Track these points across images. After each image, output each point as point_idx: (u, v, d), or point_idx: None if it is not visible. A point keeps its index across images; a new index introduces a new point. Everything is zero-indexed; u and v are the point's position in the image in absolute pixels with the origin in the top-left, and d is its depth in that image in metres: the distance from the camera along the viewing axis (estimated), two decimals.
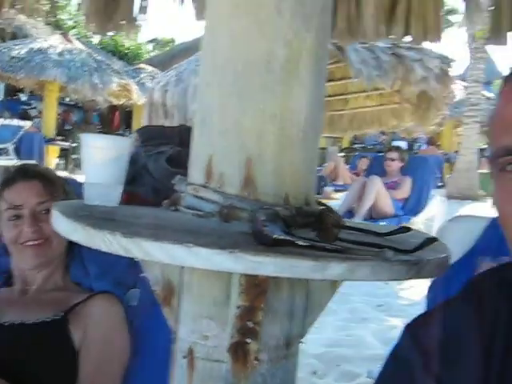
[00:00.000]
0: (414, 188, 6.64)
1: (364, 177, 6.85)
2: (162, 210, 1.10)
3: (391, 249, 0.85)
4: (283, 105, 1.03)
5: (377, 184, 6.19)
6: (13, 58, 11.72)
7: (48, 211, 1.57)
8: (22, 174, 1.62)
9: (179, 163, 1.24)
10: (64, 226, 0.90)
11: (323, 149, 13.01)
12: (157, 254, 0.80)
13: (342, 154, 13.39)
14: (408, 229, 1.10)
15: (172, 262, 0.81)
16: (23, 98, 16.71)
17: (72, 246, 1.67)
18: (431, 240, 0.95)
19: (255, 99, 1.03)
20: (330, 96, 8.21)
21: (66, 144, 12.52)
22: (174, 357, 1.11)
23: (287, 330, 1.06)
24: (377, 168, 6.95)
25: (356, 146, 16.50)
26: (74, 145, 12.45)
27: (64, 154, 12.54)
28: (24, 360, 1.38)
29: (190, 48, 12.35)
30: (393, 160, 6.74)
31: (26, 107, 14.64)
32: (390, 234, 1.07)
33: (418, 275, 0.87)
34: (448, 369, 0.78)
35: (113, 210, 1.05)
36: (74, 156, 12.24)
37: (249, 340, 1.01)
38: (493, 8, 2.64)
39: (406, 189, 6.54)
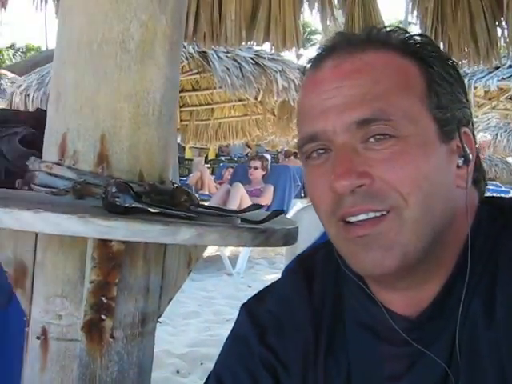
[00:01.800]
0: (276, 195, 6.84)
1: (228, 184, 6.96)
2: (15, 190, 1.08)
3: (240, 219, 0.89)
4: (138, 84, 1.05)
5: (240, 190, 6.32)
6: None
7: None
8: None
9: (34, 145, 1.22)
10: None
11: (190, 160, 13.06)
12: (6, 220, 0.79)
13: (208, 165, 13.50)
14: (260, 206, 1.15)
15: (21, 228, 0.80)
16: None
17: None
18: (278, 213, 1.01)
19: (110, 78, 1.04)
20: (195, 106, 8.28)
21: None
22: (28, 340, 1.09)
23: (143, 308, 1.08)
24: (241, 176, 7.09)
25: (222, 157, 16.67)
26: None
27: None
28: None
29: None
30: (256, 168, 6.91)
31: None
32: (244, 211, 1.11)
33: (267, 243, 0.92)
34: (281, 341, 0.83)
35: None
36: None
37: (103, 317, 1.01)
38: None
39: (268, 196, 6.72)
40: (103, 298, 0.99)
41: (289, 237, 0.98)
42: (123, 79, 1.04)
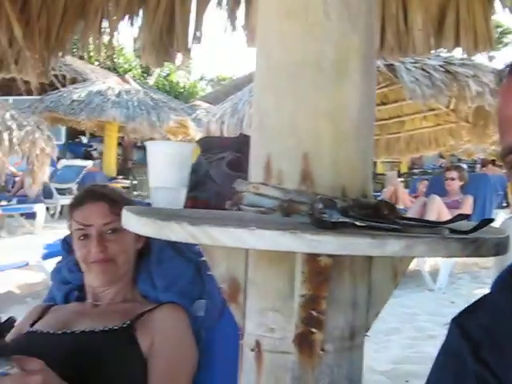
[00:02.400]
0: (476, 206, 6.54)
1: (423, 197, 6.79)
2: (226, 211, 1.15)
3: (448, 229, 0.88)
4: (335, 102, 1.07)
5: (437, 202, 6.14)
6: (73, 101, 12.17)
7: (114, 231, 1.65)
8: (89, 195, 1.71)
9: (239, 168, 1.30)
10: (134, 222, 0.96)
11: (382, 174, 12.93)
12: (222, 239, 0.84)
13: (401, 178, 13.27)
14: (466, 216, 1.12)
15: (236, 245, 0.85)
16: (84, 140, 17.27)
17: (140, 263, 1.75)
18: (487, 221, 0.97)
19: (308, 98, 1.07)
20: (385, 119, 8.22)
21: (126, 182, 12.83)
22: (242, 351, 1.15)
23: (351, 321, 1.09)
24: (437, 188, 6.89)
25: (415, 170, 16.33)
26: (135, 182, 12.74)
27: (125, 191, 12.83)
28: (93, 366, 1.44)
29: (243, 84, 12.56)
30: (453, 179, 6.68)
31: (88, 149, 15.11)
32: (451, 221, 1.09)
33: (476, 253, 0.89)
34: (496, 355, 0.79)
35: (178, 211, 1.11)
36: (135, 193, 12.53)
37: (314, 330, 1.04)
38: None
39: (467, 207, 6.45)
40: (313, 312, 1.02)
41: (500, 246, 0.94)
42: (321, 98, 1.07)
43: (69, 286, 1.84)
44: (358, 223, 0.86)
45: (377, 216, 1.01)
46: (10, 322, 1.22)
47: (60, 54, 2.97)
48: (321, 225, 0.88)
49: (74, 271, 1.82)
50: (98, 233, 1.64)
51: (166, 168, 1.14)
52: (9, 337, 1.65)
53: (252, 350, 1.11)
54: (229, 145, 1.47)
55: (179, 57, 3.00)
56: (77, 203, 1.70)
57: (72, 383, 1.25)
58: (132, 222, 0.97)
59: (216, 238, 0.85)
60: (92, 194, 1.71)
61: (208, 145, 1.47)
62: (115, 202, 1.66)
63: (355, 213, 0.98)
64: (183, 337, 1.58)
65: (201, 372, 1.59)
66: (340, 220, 0.87)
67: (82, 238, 1.67)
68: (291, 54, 1.09)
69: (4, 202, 9.36)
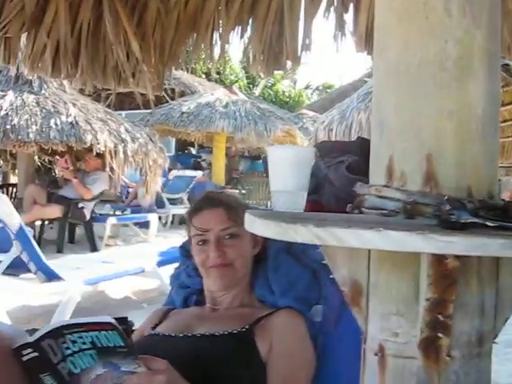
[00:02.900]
0: None
1: None
2: (346, 214, 1.15)
3: None
4: (459, 101, 1.05)
5: None
6: (183, 113, 12.52)
7: (231, 236, 1.68)
8: (207, 201, 1.75)
9: (358, 171, 1.29)
10: (258, 225, 0.97)
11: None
12: (348, 240, 0.84)
13: None
14: None
15: (363, 247, 0.85)
16: (193, 151, 17.72)
17: (257, 268, 1.77)
18: None
19: (431, 98, 1.05)
20: (500, 122, 7.90)
21: (235, 191, 13.05)
22: (365, 356, 1.14)
23: (478, 327, 1.06)
24: None
25: None
26: (244, 191, 12.93)
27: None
28: (213, 369, 1.46)
29: (348, 91, 12.48)
30: None
31: (197, 159, 15.48)
32: None
33: None
34: None
35: (299, 214, 1.12)
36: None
37: (440, 335, 1.02)
38: None
39: None
40: (439, 316, 1.00)
41: None
42: (444, 98, 1.05)
43: (187, 290, 1.90)
44: (489, 223, 0.83)
45: (506, 217, 0.98)
46: (130, 325, 1.27)
47: (173, 67, 3.08)
48: (449, 226, 0.86)
49: (193, 276, 1.87)
50: (216, 238, 1.68)
51: (287, 172, 1.15)
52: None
53: (375, 354, 1.09)
54: (347, 148, 1.46)
55: (288, 65, 3.03)
56: (195, 209, 1.75)
57: (190, 383, 1.28)
58: (256, 224, 0.98)
59: (342, 239, 0.85)
60: (210, 200, 1.76)
61: (326, 149, 1.47)
62: (232, 208, 1.70)
63: (483, 214, 0.95)
64: (301, 341, 1.59)
65: (318, 377, 1.59)
66: (469, 221, 0.84)
67: (200, 243, 1.71)
68: (412, 55, 1.07)
69: (119, 212, 9.78)
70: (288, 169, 1.14)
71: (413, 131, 1.05)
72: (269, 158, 1.17)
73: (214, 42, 2.95)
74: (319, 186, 1.37)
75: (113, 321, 1.20)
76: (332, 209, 1.30)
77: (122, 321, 1.24)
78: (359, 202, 1.10)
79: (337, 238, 0.85)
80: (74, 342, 1.22)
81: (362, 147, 1.36)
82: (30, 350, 1.23)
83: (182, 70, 16.52)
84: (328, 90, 26.16)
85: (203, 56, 3.04)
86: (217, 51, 2.96)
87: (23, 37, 2.70)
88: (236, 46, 2.93)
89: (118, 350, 1.21)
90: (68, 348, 1.22)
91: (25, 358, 1.24)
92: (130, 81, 2.73)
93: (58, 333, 1.22)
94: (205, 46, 2.97)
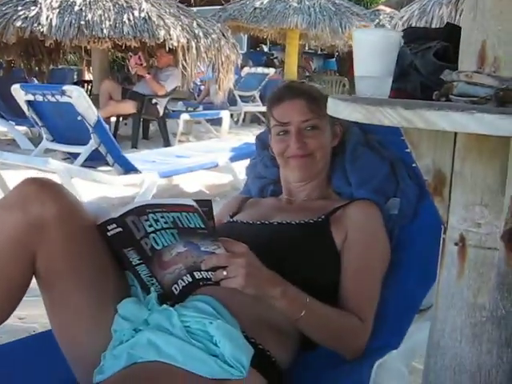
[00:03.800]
0: None
1: None
2: (433, 101, 1.11)
3: None
4: None
5: None
6: (255, 8, 12.21)
7: (312, 128, 1.66)
8: (287, 92, 1.72)
9: (446, 58, 1.24)
10: (343, 109, 0.96)
11: None
12: (439, 122, 0.82)
13: None
14: None
15: (454, 130, 0.83)
16: (265, 48, 17.45)
17: (335, 161, 1.76)
18: None
19: None
20: None
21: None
22: (444, 246, 1.13)
23: None
24: None
25: None
26: None
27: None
28: (289, 255, 1.49)
29: None
30: None
31: (269, 57, 15.26)
32: None
33: None
34: None
35: (384, 100, 1.08)
36: None
37: None
38: None
39: None
40: None
41: None
42: None
43: (264, 180, 1.91)
44: None
45: None
46: (211, 208, 1.29)
47: None
48: None
49: (269, 166, 1.88)
50: (297, 129, 1.66)
51: (372, 56, 1.11)
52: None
53: (456, 244, 1.09)
54: (435, 34, 1.39)
55: None
56: (275, 100, 1.72)
57: (267, 267, 1.30)
58: (340, 108, 0.96)
59: (433, 121, 0.82)
60: (290, 90, 1.72)
61: (413, 35, 1.41)
62: (314, 99, 1.67)
63: None
64: (377, 232, 1.59)
65: (392, 270, 1.59)
66: None
67: (280, 133, 1.69)
68: None
69: (191, 109, 9.83)
70: (374, 53, 1.10)
71: (509, 15, 0.99)
72: (355, 41, 1.13)
73: None
74: (404, 73, 1.32)
75: (194, 203, 1.21)
76: (417, 97, 1.25)
77: (204, 203, 1.25)
78: (447, 89, 1.06)
79: (426, 121, 0.83)
80: (156, 220, 1.24)
81: (451, 33, 1.29)
82: (114, 226, 1.27)
83: None
84: None
85: None
86: None
87: None
88: None
89: (198, 231, 1.22)
90: (151, 225, 1.25)
91: (109, 233, 1.29)
92: None
93: (142, 211, 1.24)
94: None
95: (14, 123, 7.30)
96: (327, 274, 1.50)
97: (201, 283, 1.29)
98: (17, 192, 1.28)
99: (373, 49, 1.10)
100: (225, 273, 1.23)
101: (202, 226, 1.21)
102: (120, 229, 1.27)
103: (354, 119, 0.93)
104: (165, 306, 1.29)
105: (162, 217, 1.24)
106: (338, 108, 0.97)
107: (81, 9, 7.28)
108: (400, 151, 1.65)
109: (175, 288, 1.32)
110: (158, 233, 1.26)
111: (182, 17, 7.92)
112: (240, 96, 10.46)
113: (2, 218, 1.26)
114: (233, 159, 4.88)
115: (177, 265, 1.28)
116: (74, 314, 1.30)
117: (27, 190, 1.27)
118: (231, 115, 9.61)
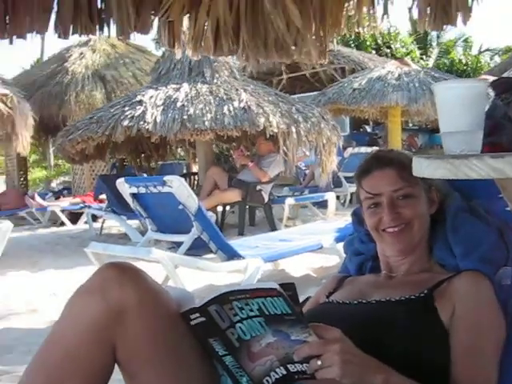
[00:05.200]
0: None
1: None
2: None
3: None
4: None
5: None
6: (354, 89, 12.32)
7: (405, 197, 1.56)
8: (375, 162, 1.64)
9: None
10: (426, 167, 0.87)
11: None
12: None
13: None
14: None
15: None
16: (368, 129, 17.46)
17: (435, 230, 1.64)
18: None
19: None
20: None
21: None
22: None
23: None
24: None
25: None
26: None
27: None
28: (387, 336, 1.36)
29: None
30: None
31: (373, 136, 15.22)
32: None
33: None
34: None
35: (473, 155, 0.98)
36: None
37: None
38: None
39: None
40: None
41: None
42: None
43: (361, 256, 1.81)
44: None
45: None
46: (295, 292, 1.22)
47: (335, 33, 2.97)
48: None
49: (366, 242, 1.78)
50: (389, 200, 1.56)
51: (458, 109, 1.01)
52: (306, 307, 1.67)
53: None
54: None
55: (459, 18, 2.80)
56: (364, 172, 1.65)
57: (365, 352, 1.19)
58: (424, 166, 0.87)
59: None
60: (379, 160, 1.64)
61: (504, 86, 1.30)
62: (404, 167, 1.57)
63: None
64: (488, 306, 1.43)
65: (509, 348, 1.42)
66: None
67: (372, 206, 1.61)
68: None
69: (297, 194, 9.87)
70: (460, 106, 1.00)
71: None
72: (436, 97, 1.04)
73: (375, 2, 2.80)
74: (497, 126, 1.20)
75: (278, 287, 1.15)
76: None
77: (288, 287, 1.18)
78: None
79: None
80: (241, 308, 1.19)
81: None
82: (197, 315, 1.23)
83: (350, 47, 16.31)
84: (509, 53, 24.48)
85: (366, 18, 2.90)
86: (379, 11, 2.80)
87: (184, 20, 2.75)
88: (401, 3, 2.73)
89: (285, 318, 1.16)
90: (236, 314, 1.19)
91: (193, 323, 1.24)
92: (292, 49, 2.67)
93: (225, 299, 1.20)
94: (367, 8, 2.83)
95: (125, 217, 7.58)
96: (434, 357, 1.35)
97: (296, 377, 1.20)
98: (98, 277, 1.28)
99: (459, 101, 1.00)
100: (319, 362, 1.13)
101: (289, 311, 1.14)
102: (203, 318, 1.22)
103: (440, 176, 0.83)
104: None
105: (247, 304, 1.18)
106: (422, 166, 0.88)
107: (183, 104, 7.58)
108: (508, 215, 1.51)
109: (267, 381, 1.23)
110: (244, 322, 1.20)
111: (280, 103, 8.07)
112: (345, 177, 10.41)
113: (83, 302, 1.26)
114: (338, 240, 4.77)
115: (268, 356, 1.20)
116: None
117: (108, 275, 1.27)
118: (337, 197, 9.55)
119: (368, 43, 19.18)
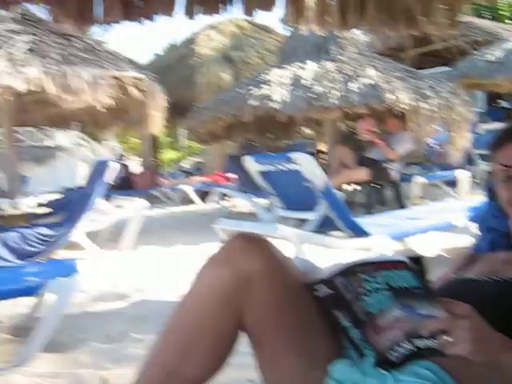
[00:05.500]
0: None
1: None
2: None
3: None
4: None
5: None
6: (488, 62, 11.72)
7: None
8: (509, 135, 1.57)
9: None
10: None
11: None
12: None
13: None
14: None
15: None
16: (503, 104, 16.58)
17: None
18: None
19: None
20: None
21: None
22: None
23: None
24: None
25: None
26: None
27: None
28: None
29: None
30: None
31: (510, 112, 14.46)
32: None
33: None
34: None
35: None
36: None
37: None
38: None
39: None
40: None
41: None
42: None
43: (494, 232, 1.73)
44: None
45: None
46: (425, 265, 1.18)
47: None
48: None
49: (498, 217, 1.70)
50: None
51: None
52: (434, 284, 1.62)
53: None
54: None
55: None
56: (497, 144, 1.58)
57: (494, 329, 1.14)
58: None
59: None
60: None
61: None
62: None
63: None
64: None
65: None
66: None
67: (505, 179, 1.53)
68: None
69: (426, 172, 9.57)
70: None
71: None
72: None
73: None
74: None
75: (407, 259, 1.13)
76: None
77: (417, 260, 1.15)
78: None
79: None
80: (367, 281, 1.18)
81: None
82: (323, 287, 1.23)
83: (484, 18, 15.50)
84: None
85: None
86: None
87: None
88: None
89: (413, 292, 1.14)
90: (362, 287, 1.18)
91: (320, 294, 1.24)
92: (421, 19, 2.58)
93: (351, 271, 1.19)
94: None
95: (253, 196, 7.70)
96: None
97: (424, 353, 1.16)
98: (226, 247, 1.34)
99: None
100: (449, 338, 1.09)
101: (418, 284, 1.13)
102: (329, 290, 1.22)
103: None
104: (381, 370, 1.19)
105: (373, 276, 1.18)
106: None
107: (309, 83, 7.57)
108: None
109: (392, 354, 1.21)
110: (370, 295, 1.18)
111: (409, 79, 7.86)
112: (479, 154, 9.96)
113: (212, 272, 1.30)
114: (472, 219, 4.58)
115: (394, 330, 1.18)
116: (287, 375, 1.26)
117: (235, 245, 1.32)
118: (471, 176, 9.18)
119: (503, 13, 18.14)
